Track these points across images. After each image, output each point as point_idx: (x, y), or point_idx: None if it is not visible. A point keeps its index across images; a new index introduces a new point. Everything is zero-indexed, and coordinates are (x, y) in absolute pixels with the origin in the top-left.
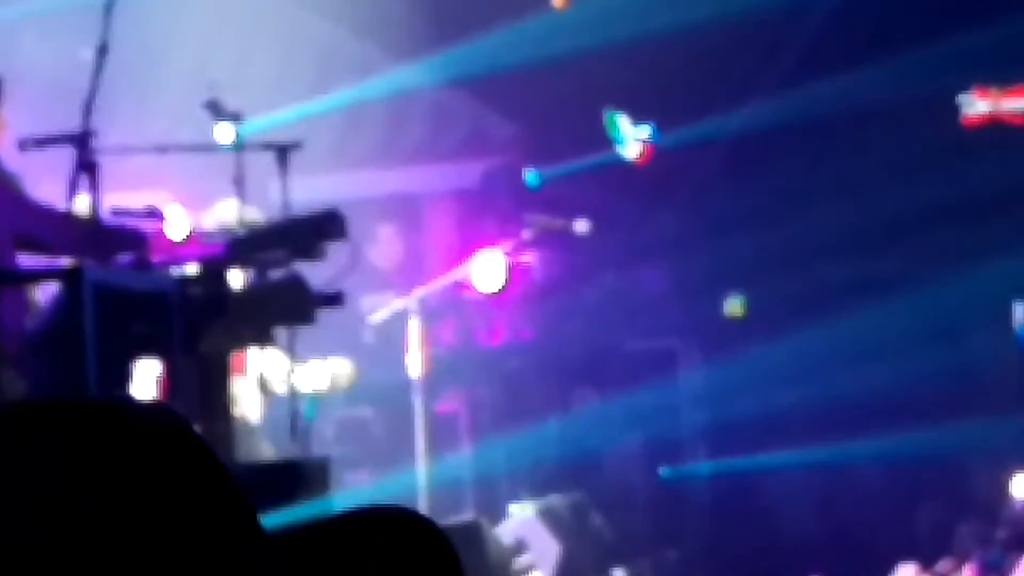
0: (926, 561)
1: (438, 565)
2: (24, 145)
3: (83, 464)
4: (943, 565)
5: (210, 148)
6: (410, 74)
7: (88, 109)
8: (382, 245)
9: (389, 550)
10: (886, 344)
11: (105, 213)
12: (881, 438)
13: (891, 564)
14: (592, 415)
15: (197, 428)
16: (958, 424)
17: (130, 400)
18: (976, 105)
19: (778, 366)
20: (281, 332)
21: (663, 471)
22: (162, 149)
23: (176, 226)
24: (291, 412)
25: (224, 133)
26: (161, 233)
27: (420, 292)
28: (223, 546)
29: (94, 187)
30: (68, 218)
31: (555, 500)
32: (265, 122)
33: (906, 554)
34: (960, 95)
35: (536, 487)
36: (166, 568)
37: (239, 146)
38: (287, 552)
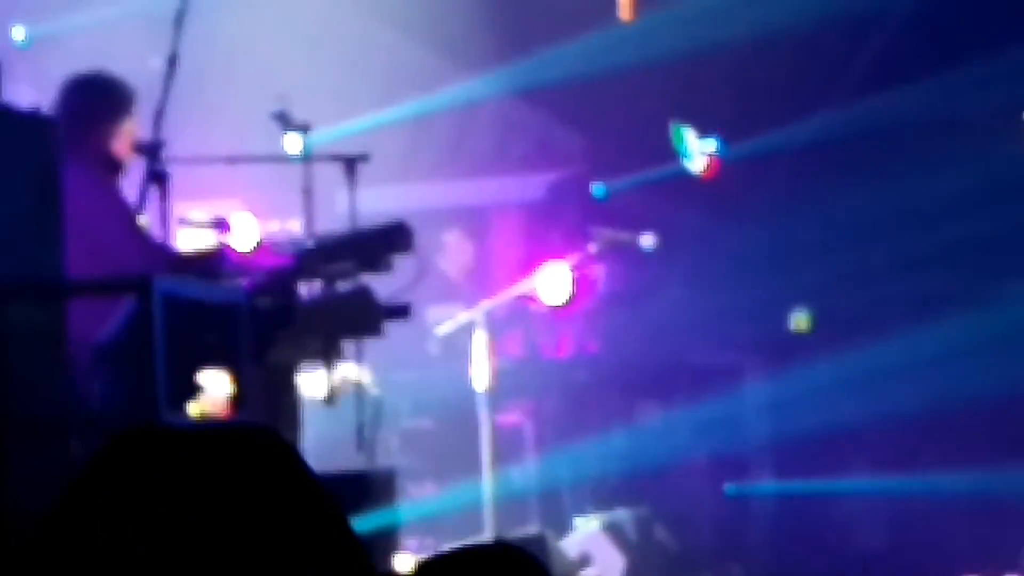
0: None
1: None
2: None
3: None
4: None
5: (278, 159)
6: (477, 85)
7: (158, 119)
8: (451, 251)
9: None
10: (955, 361)
11: (174, 223)
12: (950, 464)
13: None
14: (657, 429)
15: None
16: None
17: (257, 429)
18: None
19: (844, 382)
20: (349, 344)
21: (728, 488)
22: (231, 160)
23: (244, 237)
24: (357, 423)
25: (292, 144)
26: (229, 244)
27: (486, 304)
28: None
29: (164, 197)
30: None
31: (620, 514)
32: (333, 133)
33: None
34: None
35: (601, 501)
36: None
37: (307, 157)
38: None
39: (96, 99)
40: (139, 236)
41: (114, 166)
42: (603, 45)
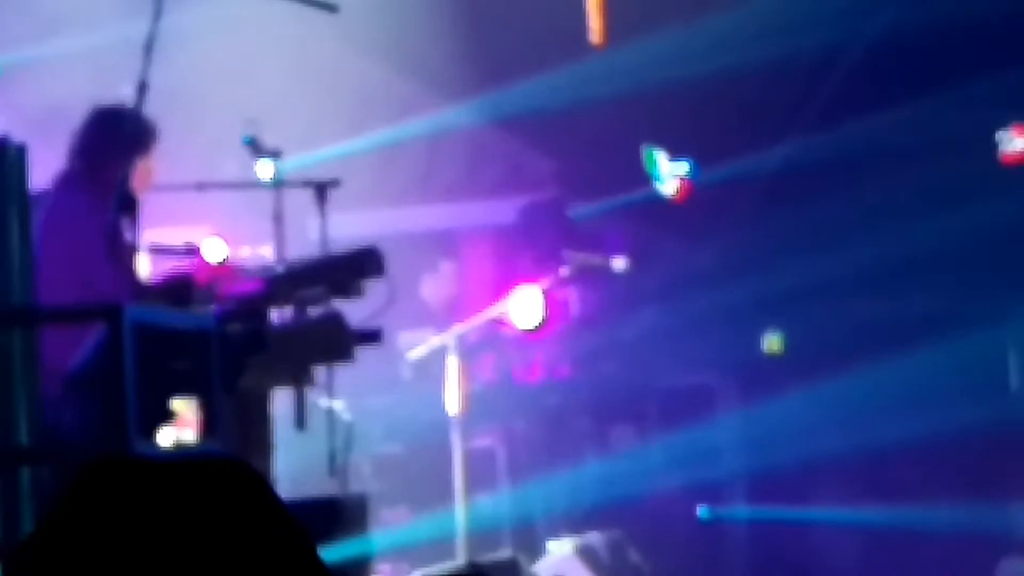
0: None
1: None
2: None
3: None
4: None
5: (249, 185)
6: (448, 114)
7: None
8: (441, 281)
9: None
10: (926, 384)
11: (144, 249)
12: (924, 494)
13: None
14: (630, 452)
15: None
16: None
17: (226, 460)
18: (1014, 142)
19: (817, 403)
20: (320, 369)
21: (701, 512)
22: (201, 186)
23: (214, 263)
24: (329, 449)
25: (264, 170)
26: (200, 270)
27: (458, 329)
28: None
29: (134, 224)
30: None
31: (593, 537)
32: (304, 160)
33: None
34: (999, 132)
35: (574, 524)
36: None
37: (278, 183)
38: None
39: (116, 132)
40: (128, 275)
41: (129, 202)
42: (574, 74)
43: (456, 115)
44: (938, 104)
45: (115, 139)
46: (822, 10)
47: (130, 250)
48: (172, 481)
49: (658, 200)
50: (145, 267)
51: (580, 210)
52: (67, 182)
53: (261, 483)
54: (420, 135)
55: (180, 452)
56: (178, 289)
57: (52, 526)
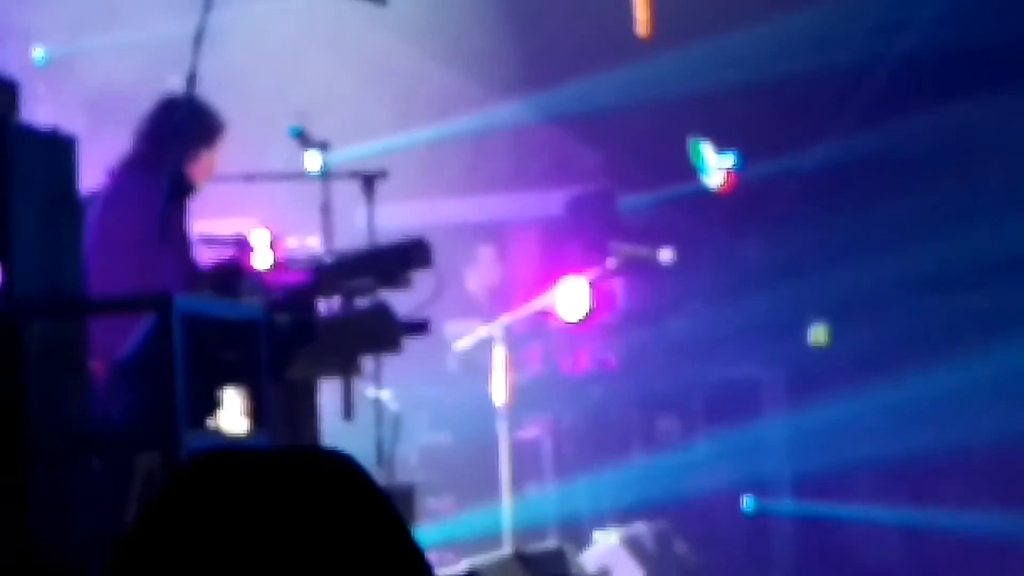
0: None
1: None
2: None
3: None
4: None
5: (297, 176)
6: (495, 106)
7: None
8: (482, 267)
9: None
10: (972, 385)
11: (194, 240)
12: (969, 497)
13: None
14: (676, 444)
15: None
16: None
17: (330, 453)
18: None
19: (863, 400)
20: (367, 359)
21: (747, 505)
22: (250, 177)
23: (263, 254)
24: (376, 439)
25: (312, 161)
26: (248, 261)
27: (505, 319)
28: None
29: (184, 212)
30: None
31: (639, 528)
32: (351, 154)
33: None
34: None
35: (620, 515)
36: None
37: (325, 174)
38: None
39: (185, 120)
40: (182, 260)
41: (185, 188)
42: (620, 76)
43: (503, 109)
44: (989, 103)
45: (181, 127)
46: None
47: (183, 235)
48: (279, 473)
49: (705, 193)
50: (202, 259)
51: (627, 202)
52: (131, 166)
53: (365, 477)
54: (467, 129)
55: (283, 447)
56: (228, 276)
57: (159, 517)
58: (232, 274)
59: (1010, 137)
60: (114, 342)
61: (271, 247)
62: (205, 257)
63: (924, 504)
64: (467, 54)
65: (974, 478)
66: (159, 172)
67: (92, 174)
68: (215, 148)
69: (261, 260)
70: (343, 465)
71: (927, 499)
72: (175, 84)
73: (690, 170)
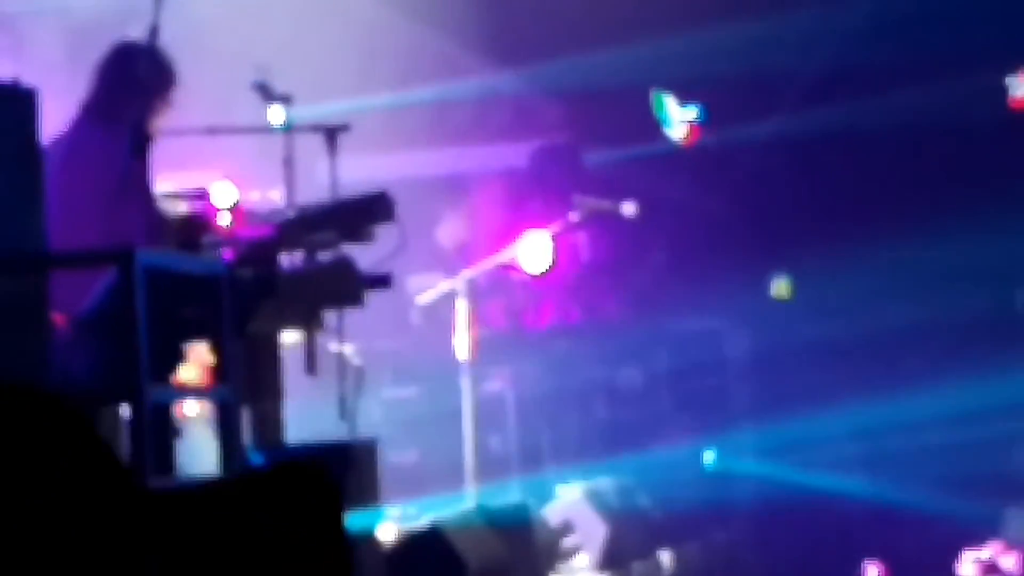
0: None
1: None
2: None
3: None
4: (993, 547)
5: (259, 130)
6: (460, 60)
7: None
8: (456, 223)
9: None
10: (931, 319)
11: (155, 193)
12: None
13: (947, 550)
14: (639, 398)
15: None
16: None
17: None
18: (1023, 87)
19: (824, 346)
20: (330, 314)
21: (708, 461)
22: (211, 131)
23: (225, 207)
24: (339, 393)
25: (274, 115)
26: (210, 214)
27: (467, 273)
28: (102, 506)
29: (146, 164)
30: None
31: (602, 482)
32: (314, 111)
33: (961, 540)
34: (1008, 77)
35: (583, 468)
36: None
37: (288, 128)
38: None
39: (146, 71)
40: (153, 215)
41: (145, 140)
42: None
43: (468, 63)
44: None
45: (141, 78)
46: None
47: (147, 188)
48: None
49: (668, 145)
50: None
51: (591, 157)
52: (90, 116)
53: (79, 419)
54: (430, 82)
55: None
56: (190, 230)
57: None
58: (195, 228)
59: (982, 84)
60: (76, 296)
61: (233, 201)
62: (167, 210)
63: (887, 461)
64: (432, 8)
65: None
66: (119, 123)
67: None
68: (172, 100)
69: (223, 214)
70: (56, 407)
71: (891, 456)
72: (136, 36)
73: (653, 123)
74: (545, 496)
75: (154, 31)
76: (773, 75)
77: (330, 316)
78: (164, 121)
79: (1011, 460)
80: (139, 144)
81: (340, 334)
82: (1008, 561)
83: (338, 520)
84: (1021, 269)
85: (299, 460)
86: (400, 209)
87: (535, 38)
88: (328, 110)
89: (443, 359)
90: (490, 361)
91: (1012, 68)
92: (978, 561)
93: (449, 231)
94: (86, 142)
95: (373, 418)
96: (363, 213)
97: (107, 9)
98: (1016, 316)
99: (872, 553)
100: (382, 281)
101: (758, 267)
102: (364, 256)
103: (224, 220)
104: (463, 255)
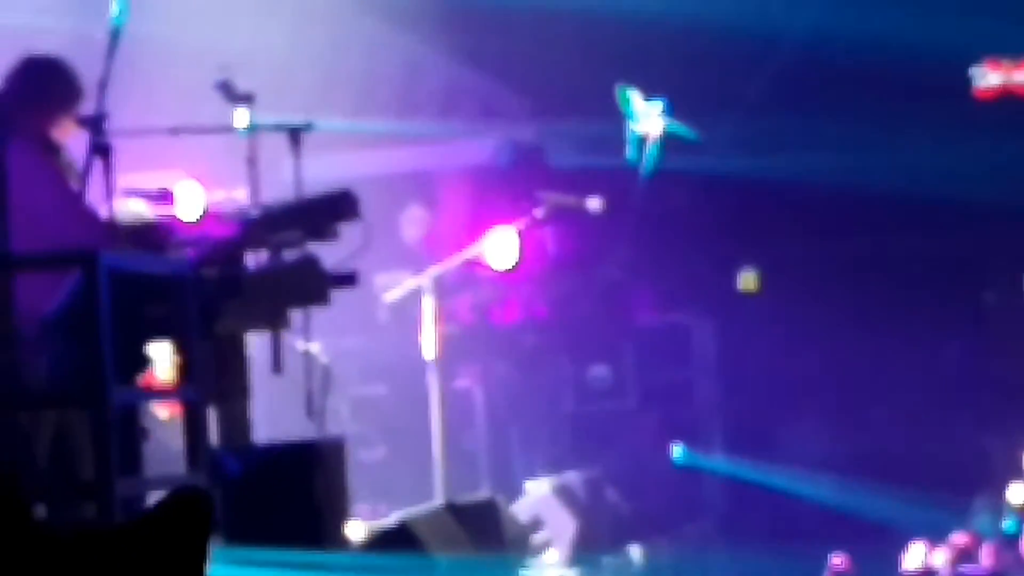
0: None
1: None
2: None
3: None
4: (957, 538)
5: (223, 129)
6: (423, 55)
7: (101, 91)
8: (419, 220)
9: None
10: (899, 314)
11: (118, 195)
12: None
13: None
14: (607, 393)
15: (214, 408)
16: (978, 398)
17: None
18: (988, 77)
19: (791, 340)
20: (296, 312)
21: (676, 455)
22: (175, 131)
23: (189, 207)
24: (306, 391)
25: (238, 115)
26: (174, 215)
27: (434, 270)
28: None
29: (107, 169)
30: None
31: (571, 477)
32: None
33: (924, 533)
34: (972, 67)
35: (551, 464)
36: None
37: (252, 128)
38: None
39: (52, 85)
40: (85, 214)
41: (51, 148)
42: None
43: (430, 57)
44: (915, 36)
45: (48, 92)
46: None
47: (72, 194)
48: None
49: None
50: (127, 213)
51: (556, 151)
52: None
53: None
54: (393, 75)
55: None
56: (155, 231)
57: None
58: (159, 230)
59: (951, 67)
60: (40, 299)
61: (197, 201)
62: (129, 212)
63: (854, 454)
64: (396, 5)
65: (910, 432)
66: (25, 136)
67: None
68: (74, 112)
69: (187, 214)
70: None
71: (858, 449)
72: (99, 36)
73: (619, 117)
74: (514, 492)
75: (116, 31)
76: (736, 66)
77: (296, 315)
78: (67, 133)
79: (978, 452)
80: (47, 154)
81: (306, 332)
82: (976, 551)
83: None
84: (989, 265)
85: (181, 500)
86: (365, 207)
87: (500, 34)
88: (291, 111)
89: (411, 357)
90: (458, 358)
91: (977, 59)
92: (950, 548)
93: (413, 226)
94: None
95: (341, 416)
96: (327, 211)
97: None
98: (984, 312)
99: (838, 546)
100: (348, 279)
101: (725, 261)
102: (329, 254)
103: (189, 220)
104: (427, 250)
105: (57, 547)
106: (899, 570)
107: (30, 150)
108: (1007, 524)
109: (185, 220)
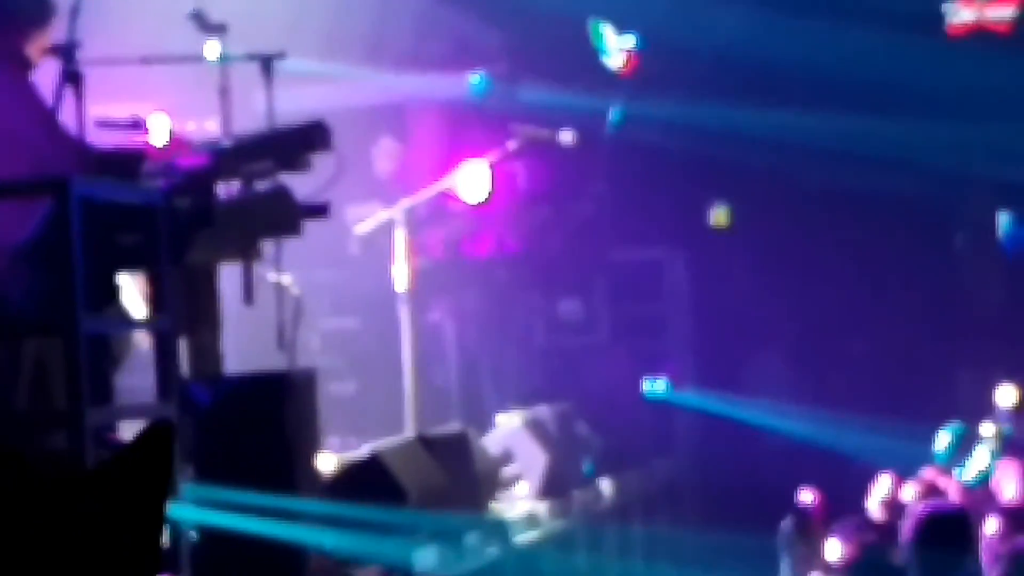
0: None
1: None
2: None
3: None
4: (928, 473)
5: (194, 59)
6: None
7: (73, 20)
8: (391, 152)
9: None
10: (870, 251)
11: (90, 124)
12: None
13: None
14: (578, 327)
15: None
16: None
17: None
18: (960, 14)
19: (763, 275)
20: (267, 243)
21: (648, 389)
22: (147, 60)
23: (161, 137)
24: (277, 323)
25: (209, 46)
26: (146, 144)
27: (406, 203)
28: None
29: (79, 98)
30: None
31: (541, 410)
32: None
33: (893, 466)
34: (944, 4)
35: (522, 397)
36: None
37: (224, 59)
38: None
39: (23, 4)
40: (58, 134)
41: (25, 65)
42: None
43: None
44: None
45: (20, 9)
46: None
47: (46, 113)
48: None
49: (606, 74)
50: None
51: (528, 84)
52: None
53: None
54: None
55: None
56: (126, 162)
57: None
58: (131, 158)
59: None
60: (12, 228)
61: (169, 131)
62: (101, 141)
63: (826, 389)
64: None
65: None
66: (1, 55)
67: None
68: (48, 29)
69: (159, 144)
70: None
71: (829, 385)
72: None
73: (591, 51)
74: (485, 425)
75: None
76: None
77: (267, 246)
78: (41, 50)
79: (948, 388)
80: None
81: (278, 264)
82: (944, 483)
83: (157, 511)
84: (960, 207)
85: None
86: (337, 139)
87: None
88: (263, 42)
89: (382, 289)
90: (430, 291)
91: None
92: (919, 483)
93: (385, 158)
94: None
95: (312, 348)
96: (300, 142)
97: None
98: (955, 249)
99: (809, 481)
100: (319, 210)
101: (697, 196)
102: (301, 185)
103: (160, 150)
104: (399, 182)
105: (38, 495)
106: (866, 503)
107: (4, 67)
108: (977, 454)
109: (157, 150)
